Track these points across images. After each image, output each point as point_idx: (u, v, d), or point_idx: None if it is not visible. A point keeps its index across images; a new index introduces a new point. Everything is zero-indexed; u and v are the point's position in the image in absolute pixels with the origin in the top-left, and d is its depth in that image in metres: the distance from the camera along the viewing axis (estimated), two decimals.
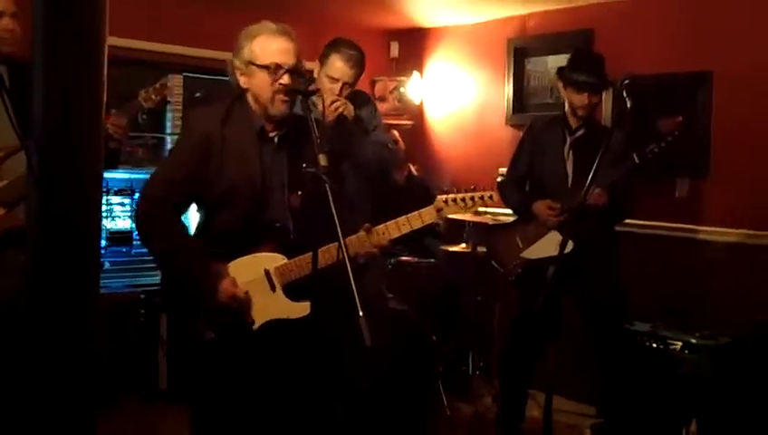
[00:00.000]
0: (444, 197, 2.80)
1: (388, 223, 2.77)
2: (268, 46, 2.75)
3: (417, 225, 2.79)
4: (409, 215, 2.78)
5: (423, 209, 2.79)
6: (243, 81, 2.81)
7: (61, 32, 1.55)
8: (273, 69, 2.73)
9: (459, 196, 2.79)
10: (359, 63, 3.64)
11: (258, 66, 2.75)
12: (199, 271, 2.72)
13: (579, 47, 4.45)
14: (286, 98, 2.74)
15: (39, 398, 1.57)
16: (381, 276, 4.19)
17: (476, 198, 2.81)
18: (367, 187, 3.73)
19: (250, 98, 2.81)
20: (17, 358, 1.62)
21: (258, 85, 2.78)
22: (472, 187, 2.82)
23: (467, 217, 4.78)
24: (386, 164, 3.89)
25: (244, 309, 2.73)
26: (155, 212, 2.76)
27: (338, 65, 3.60)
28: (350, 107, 3.58)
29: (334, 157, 3.01)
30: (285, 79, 2.73)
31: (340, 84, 3.59)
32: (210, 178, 2.75)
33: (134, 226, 5.06)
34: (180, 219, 2.83)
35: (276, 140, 2.84)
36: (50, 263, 1.57)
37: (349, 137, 3.55)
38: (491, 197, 2.82)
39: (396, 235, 2.79)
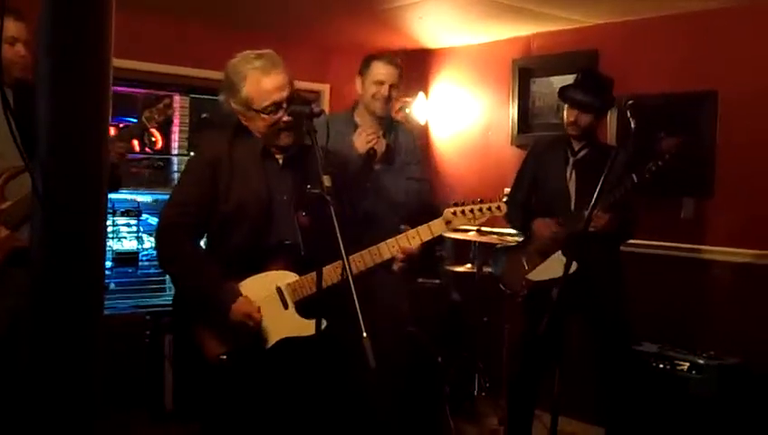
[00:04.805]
0: (452, 209, 2.82)
1: (398, 236, 2.80)
2: (262, 87, 2.77)
3: (427, 237, 2.82)
4: (419, 228, 2.82)
5: (432, 222, 2.82)
6: (243, 120, 2.86)
7: (66, 52, 1.56)
8: (273, 110, 2.77)
9: (467, 207, 2.81)
10: (399, 65, 3.75)
11: (257, 111, 2.79)
12: (213, 292, 2.74)
13: (587, 68, 4.45)
14: (290, 131, 2.79)
15: (40, 419, 1.57)
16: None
17: (484, 209, 2.82)
18: (395, 211, 3.74)
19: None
20: (19, 378, 1.62)
21: (260, 128, 2.83)
22: (479, 199, 2.84)
23: (473, 236, 4.77)
24: (422, 196, 3.93)
25: (258, 328, 2.74)
26: (169, 235, 2.82)
27: (381, 69, 3.70)
28: (382, 142, 3.65)
29: (355, 183, 3.18)
30: (286, 117, 2.78)
31: (386, 86, 3.68)
32: (220, 198, 2.79)
33: (140, 247, 5.15)
34: (194, 241, 2.87)
35: (281, 160, 2.87)
36: (53, 284, 1.57)
37: (373, 170, 3.65)
38: (498, 207, 2.83)
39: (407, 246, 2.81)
